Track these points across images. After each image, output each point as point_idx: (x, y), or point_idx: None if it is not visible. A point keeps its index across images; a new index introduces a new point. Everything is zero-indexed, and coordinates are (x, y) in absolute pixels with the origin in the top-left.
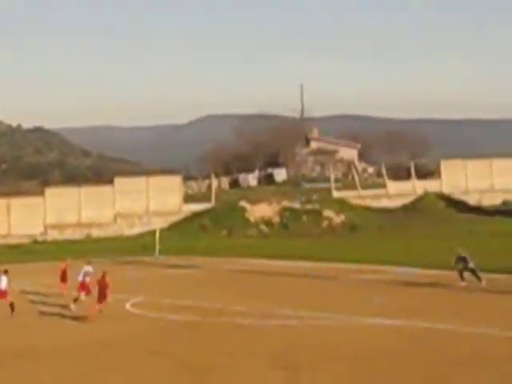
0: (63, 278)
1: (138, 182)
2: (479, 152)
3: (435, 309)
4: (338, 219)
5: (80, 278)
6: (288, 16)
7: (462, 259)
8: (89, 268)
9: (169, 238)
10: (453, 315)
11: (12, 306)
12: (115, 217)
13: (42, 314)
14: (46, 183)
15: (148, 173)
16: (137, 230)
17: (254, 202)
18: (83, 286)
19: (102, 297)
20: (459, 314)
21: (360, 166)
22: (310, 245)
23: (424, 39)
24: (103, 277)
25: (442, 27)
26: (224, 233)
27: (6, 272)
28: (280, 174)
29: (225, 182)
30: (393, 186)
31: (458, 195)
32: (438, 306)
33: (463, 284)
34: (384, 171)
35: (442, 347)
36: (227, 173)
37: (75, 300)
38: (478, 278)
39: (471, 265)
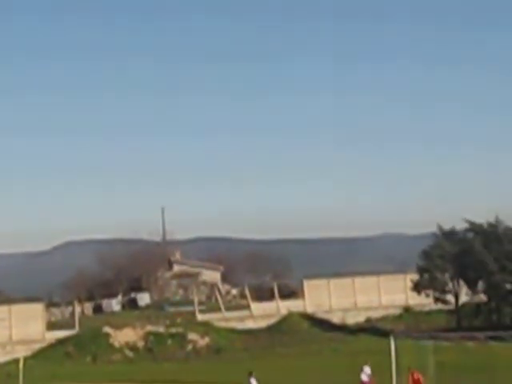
0: None
1: (0, 310)
2: (341, 270)
3: None
4: (203, 342)
5: None
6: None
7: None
8: None
9: (33, 366)
10: None
11: None
12: None
13: None
14: None
15: (10, 301)
16: (0, 358)
17: (117, 327)
18: None
19: None
20: None
21: (223, 287)
22: (176, 368)
23: (277, 159)
24: None
25: (300, 149)
26: (89, 359)
27: None
28: (143, 299)
29: (88, 307)
30: (257, 307)
31: (321, 314)
32: None
33: None
34: (247, 292)
35: None
36: (90, 298)
37: None
38: None
39: None
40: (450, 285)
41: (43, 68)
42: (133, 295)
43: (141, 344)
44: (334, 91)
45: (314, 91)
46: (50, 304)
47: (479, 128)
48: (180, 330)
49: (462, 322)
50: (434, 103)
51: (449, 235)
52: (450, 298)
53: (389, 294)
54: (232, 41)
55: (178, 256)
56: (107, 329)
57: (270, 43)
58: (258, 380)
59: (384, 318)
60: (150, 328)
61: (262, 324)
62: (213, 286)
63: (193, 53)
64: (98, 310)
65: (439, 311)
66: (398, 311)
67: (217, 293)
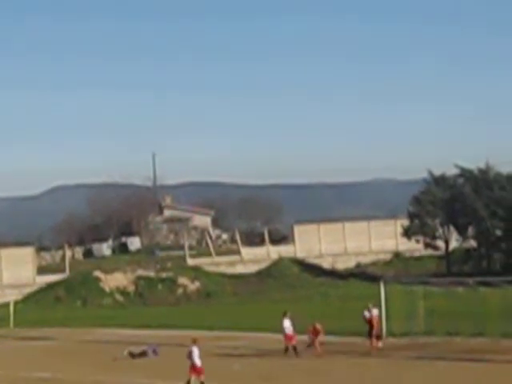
0: None
1: None
2: (331, 216)
3: (290, 374)
4: (193, 286)
5: None
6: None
7: None
8: None
9: (23, 310)
10: (308, 380)
11: None
12: None
13: None
14: None
15: (0, 245)
16: None
17: (108, 271)
18: None
19: None
20: (313, 379)
21: (214, 232)
22: (166, 313)
23: (267, 103)
24: None
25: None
26: (79, 303)
27: None
28: (134, 243)
29: (78, 252)
30: (247, 252)
31: (311, 259)
32: (292, 371)
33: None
34: (238, 237)
35: None
36: (81, 243)
37: None
38: None
39: None
40: (440, 230)
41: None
42: (123, 240)
43: (131, 288)
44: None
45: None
46: (41, 248)
47: (466, 73)
48: (170, 274)
49: (452, 267)
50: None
51: (439, 181)
52: (440, 243)
53: (379, 239)
54: None
55: (168, 201)
56: (97, 273)
57: None
58: (292, 320)
59: (374, 264)
60: (140, 272)
61: (253, 269)
62: (203, 231)
63: None
64: (88, 254)
65: (429, 257)
66: (388, 256)
67: (207, 237)
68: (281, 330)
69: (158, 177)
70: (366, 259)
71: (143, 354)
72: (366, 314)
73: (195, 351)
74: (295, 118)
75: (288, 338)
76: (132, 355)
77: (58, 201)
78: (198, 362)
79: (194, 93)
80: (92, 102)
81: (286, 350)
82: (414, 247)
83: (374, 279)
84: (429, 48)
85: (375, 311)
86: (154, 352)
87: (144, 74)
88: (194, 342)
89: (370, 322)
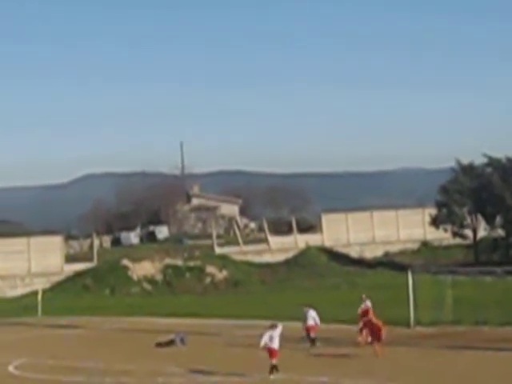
0: None
1: (19, 242)
2: (359, 204)
3: (311, 362)
4: (221, 275)
5: None
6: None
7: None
8: None
9: (52, 299)
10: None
11: None
12: None
13: None
14: None
15: (29, 233)
16: (19, 291)
17: (136, 260)
18: None
19: None
20: (338, 368)
21: (241, 221)
22: (194, 301)
23: (295, 95)
24: None
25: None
26: (107, 292)
27: None
28: (162, 232)
29: (106, 240)
30: (275, 241)
31: (339, 248)
32: (314, 360)
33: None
34: (265, 226)
35: None
36: (109, 231)
37: None
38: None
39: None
40: (468, 219)
41: None
42: (151, 228)
43: (159, 277)
44: None
45: None
46: (69, 237)
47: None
48: (198, 263)
49: (480, 256)
50: None
51: (467, 170)
52: (468, 232)
53: (407, 228)
54: None
55: (196, 190)
56: (125, 262)
57: None
58: (318, 312)
59: (402, 253)
60: (168, 261)
61: (280, 258)
62: (231, 220)
63: None
64: (116, 242)
65: (457, 246)
66: (416, 245)
67: (235, 226)
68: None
69: (186, 165)
70: (393, 248)
71: (171, 342)
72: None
73: (273, 335)
74: (323, 107)
75: (311, 328)
76: (160, 345)
77: (87, 189)
78: (275, 345)
79: (222, 81)
80: (120, 91)
81: (313, 341)
82: (441, 236)
83: (401, 268)
84: (463, 38)
85: (368, 303)
86: (182, 341)
87: (171, 62)
88: (272, 327)
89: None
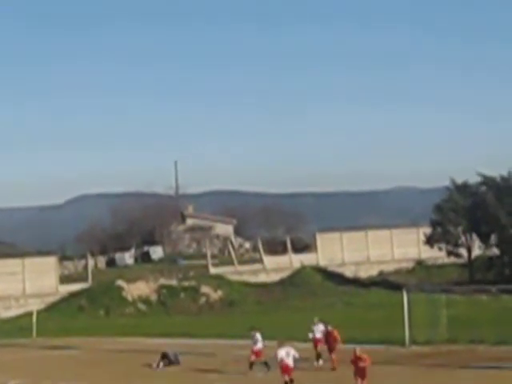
0: None
1: (14, 263)
2: (353, 224)
3: (311, 382)
4: (216, 295)
5: None
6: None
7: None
8: None
9: (46, 320)
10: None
11: None
12: None
13: None
14: None
15: (24, 254)
16: (13, 312)
17: (130, 280)
18: None
19: None
20: None
21: (236, 241)
22: (189, 322)
23: (291, 112)
24: None
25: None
26: (102, 312)
27: None
28: (156, 252)
29: (101, 261)
30: (270, 261)
31: (334, 267)
32: (313, 380)
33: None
34: (260, 246)
35: None
36: (103, 252)
37: None
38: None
39: None
40: (463, 238)
41: None
42: (146, 248)
43: (154, 297)
44: None
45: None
46: (63, 257)
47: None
48: (193, 283)
49: (475, 275)
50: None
51: (462, 189)
52: (463, 251)
53: (401, 247)
54: None
55: (190, 209)
56: (120, 282)
57: None
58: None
59: (397, 272)
60: (162, 281)
61: (275, 277)
62: (226, 240)
63: None
64: (111, 263)
65: (452, 265)
66: (410, 264)
67: (230, 246)
68: (305, 338)
69: (180, 185)
70: (388, 267)
71: (164, 356)
72: (312, 334)
73: (284, 353)
74: (317, 127)
75: (257, 352)
76: (158, 364)
77: (81, 210)
78: (290, 362)
79: (216, 101)
80: (115, 110)
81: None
82: (436, 255)
83: (396, 287)
84: (453, 55)
85: (322, 327)
86: (175, 356)
87: (167, 82)
88: (280, 344)
89: (316, 342)
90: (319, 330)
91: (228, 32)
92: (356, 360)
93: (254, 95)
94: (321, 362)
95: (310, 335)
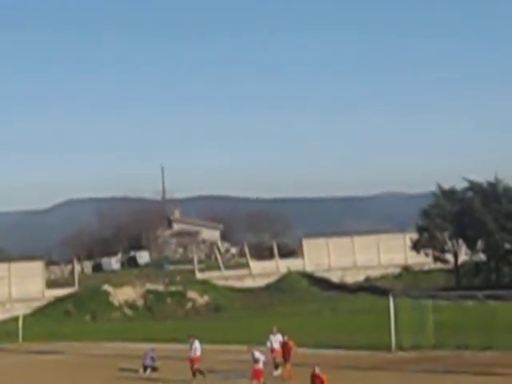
0: None
1: (0, 267)
2: (340, 229)
3: None
4: (202, 300)
5: None
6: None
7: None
8: None
9: (32, 324)
10: None
11: None
12: None
13: None
14: None
15: (10, 258)
16: (0, 316)
17: (117, 285)
18: None
19: None
20: None
21: (223, 246)
22: (175, 326)
23: (277, 119)
24: None
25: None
26: (88, 317)
27: None
28: (143, 257)
29: (88, 266)
30: (256, 266)
31: (320, 273)
32: None
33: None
34: (247, 251)
35: None
36: (90, 257)
37: None
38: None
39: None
40: (450, 244)
41: None
42: (132, 253)
43: (140, 302)
44: None
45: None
46: (50, 262)
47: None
48: (179, 288)
49: (461, 281)
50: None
51: (448, 194)
52: (450, 257)
53: (388, 252)
54: None
55: (177, 214)
56: (107, 287)
57: None
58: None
59: (383, 277)
60: (149, 286)
61: (261, 283)
62: (212, 245)
63: None
64: (97, 268)
65: (438, 270)
66: (397, 270)
67: (216, 251)
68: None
69: (167, 190)
70: (375, 273)
71: (145, 368)
72: (270, 343)
73: (259, 356)
74: (304, 132)
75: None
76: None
77: (68, 215)
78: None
79: (204, 106)
80: (102, 115)
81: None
82: (423, 261)
83: (383, 293)
84: (439, 61)
85: (280, 337)
86: (152, 359)
87: (154, 88)
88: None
89: (273, 352)
90: (277, 340)
91: (213, 37)
92: (314, 378)
93: (241, 101)
94: (280, 370)
95: (268, 344)
